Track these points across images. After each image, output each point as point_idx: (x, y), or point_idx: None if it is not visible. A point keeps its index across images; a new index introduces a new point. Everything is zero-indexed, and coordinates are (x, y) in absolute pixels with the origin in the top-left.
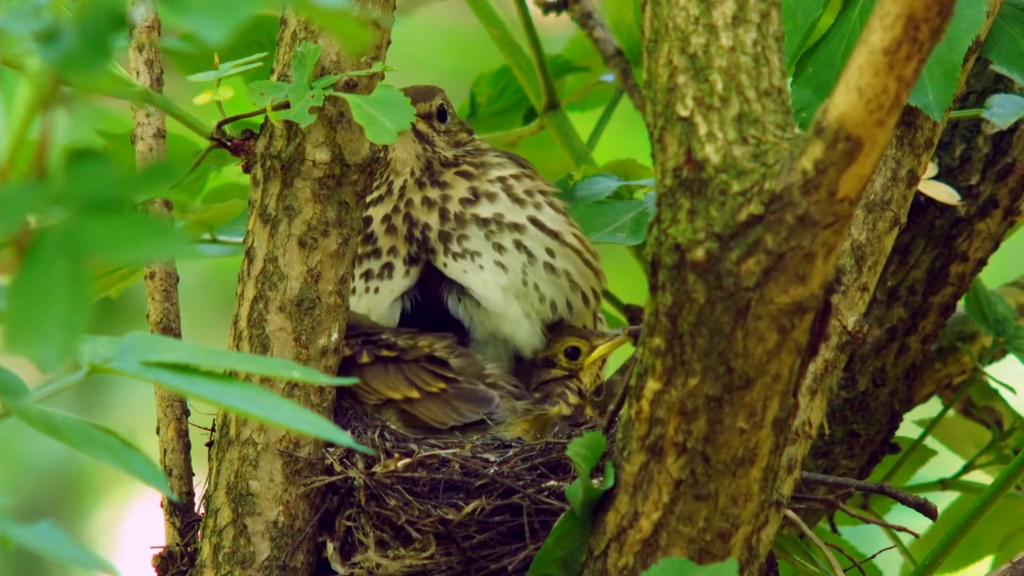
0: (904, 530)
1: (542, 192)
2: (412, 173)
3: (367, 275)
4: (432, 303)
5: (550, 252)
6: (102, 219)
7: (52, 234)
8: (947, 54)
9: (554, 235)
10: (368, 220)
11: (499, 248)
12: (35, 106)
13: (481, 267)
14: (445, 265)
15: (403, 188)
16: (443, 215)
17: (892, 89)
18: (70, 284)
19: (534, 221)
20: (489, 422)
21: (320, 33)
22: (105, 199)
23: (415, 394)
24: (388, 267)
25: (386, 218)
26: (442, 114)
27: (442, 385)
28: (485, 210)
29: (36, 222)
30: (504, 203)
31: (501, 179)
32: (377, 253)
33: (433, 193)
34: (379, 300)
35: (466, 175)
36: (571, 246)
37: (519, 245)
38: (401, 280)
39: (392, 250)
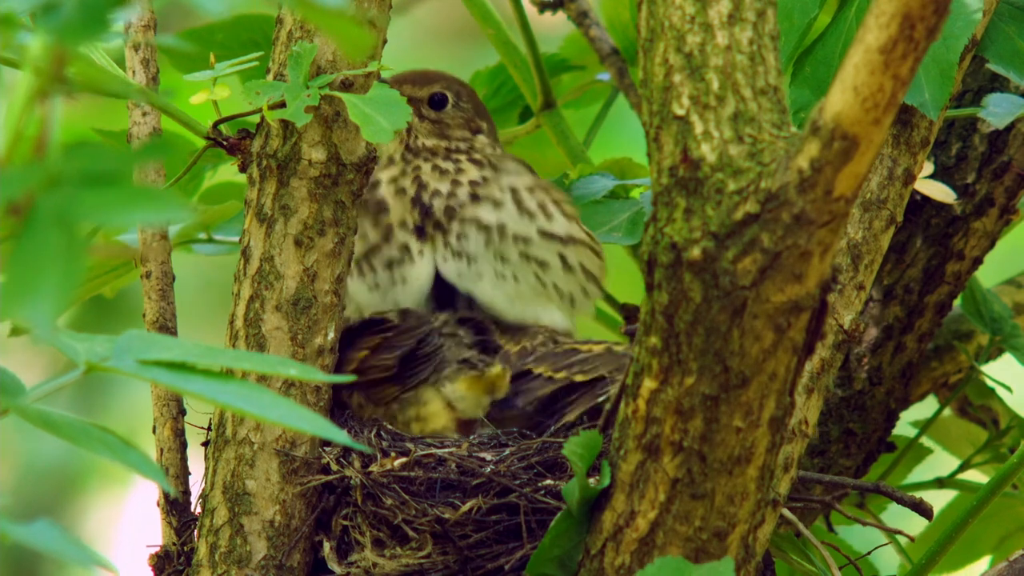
0: (900, 533)
1: (555, 202)
2: (403, 153)
3: (390, 264)
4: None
5: (563, 257)
6: (97, 190)
7: (46, 204)
8: (943, 53)
9: (564, 241)
10: (376, 184)
11: (501, 259)
12: (35, 93)
13: (480, 275)
14: (445, 260)
15: (406, 158)
16: (455, 185)
17: (888, 88)
18: (64, 252)
19: (543, 233)
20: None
21: (316, 32)
22: (101, 173)
23: (364, 352)
24: (406, 250)
25: (393, 180)
26: (437, 103)
27: (381, 336)
28: (488, 214)
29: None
30: (510, 210)
31: (512, 189)
32: (389, 236)
33: (446, 165)
34: (408, 291)
35: (478, 163)
36: (581, 241)
37: (526, 256)
38: (420, 262)
39: (403, 224)
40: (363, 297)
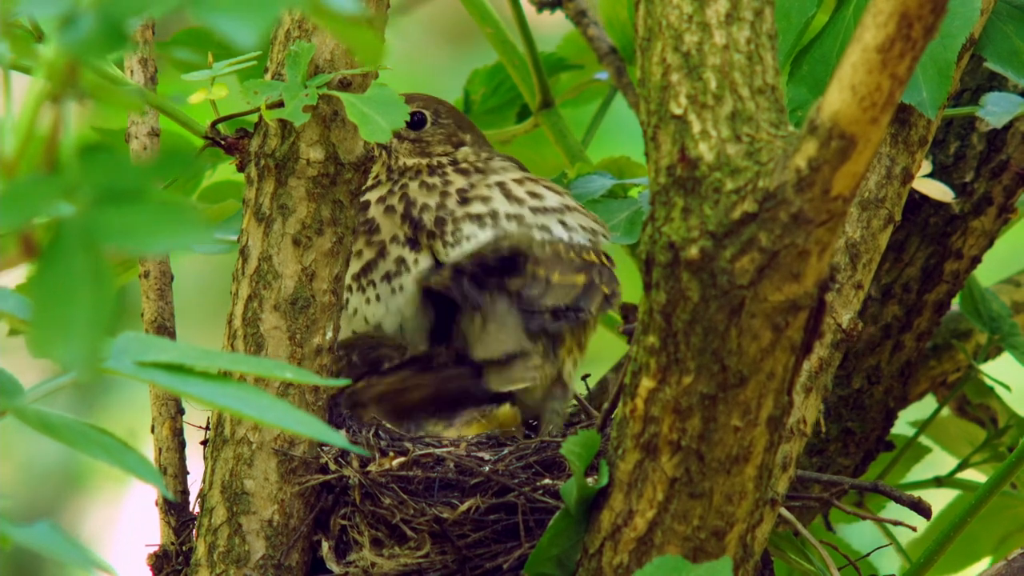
0: (900, 524)
1: (547, 186)
2: (389, 169)
3: (387, 276)
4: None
5: (562, 222)
6: (119, 209)
7: (69, 227)
8: (941, 52)
9: (560, 210)
10: (366, 205)
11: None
12: (45, 97)
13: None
14: (448, 256)
15: (392, 178)
16: (444, 196)
17: (886, 87)
18: (92, 280)
19: (535, 209)
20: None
21: (314, 31)
22: (120, 189)
23: (396, 380)
24: (401, 262)
25: (382, 199)
26: (416, 123)
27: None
28: (479, 208)
29: (46, 217)
30: (500, 201)
31: (500, 184)
32: (383, 252)
33: (432, 180)
34: (406, 296)
35: (464, 172)
36: (576, 208)
37: (521, 221)
38: (416, 270)
39: (394, 238)
40: (362, 308)
